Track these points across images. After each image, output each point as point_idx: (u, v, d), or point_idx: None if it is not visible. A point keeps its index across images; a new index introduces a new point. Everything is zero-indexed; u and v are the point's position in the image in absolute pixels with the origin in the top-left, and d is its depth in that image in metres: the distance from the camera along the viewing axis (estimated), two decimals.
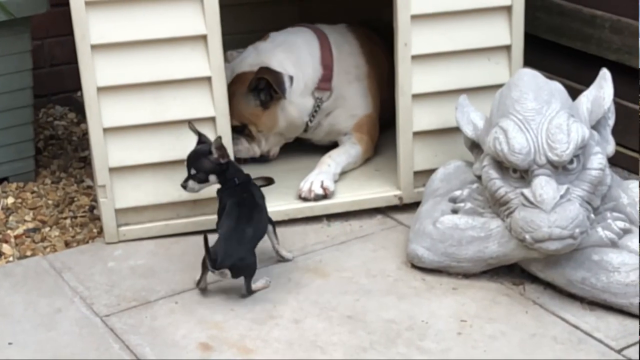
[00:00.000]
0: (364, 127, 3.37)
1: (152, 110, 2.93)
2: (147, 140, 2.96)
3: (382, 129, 3.49)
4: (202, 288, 2.73)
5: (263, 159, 3.36)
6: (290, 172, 3.28)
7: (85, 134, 3.83)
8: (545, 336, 2.54)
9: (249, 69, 3.26)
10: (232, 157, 2.87)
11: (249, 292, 2.70)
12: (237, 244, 2.65)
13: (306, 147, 3.45)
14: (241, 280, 2.69)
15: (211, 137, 2.96)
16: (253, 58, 3.29)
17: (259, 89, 3.21)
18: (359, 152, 3.34)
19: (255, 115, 3.25)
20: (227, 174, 2.79)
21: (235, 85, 3.25)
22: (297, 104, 3.26)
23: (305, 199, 3.10)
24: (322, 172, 3.18)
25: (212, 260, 2.63)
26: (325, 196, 3.10)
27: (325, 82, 3.30)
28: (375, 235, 3.05)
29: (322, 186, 3.11)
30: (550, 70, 3.27)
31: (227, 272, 2.64)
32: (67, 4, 2.82)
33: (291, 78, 3.19)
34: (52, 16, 3.69)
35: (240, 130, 3.28)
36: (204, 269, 2.69)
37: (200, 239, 3.01)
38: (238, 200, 2.74)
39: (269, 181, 2.94)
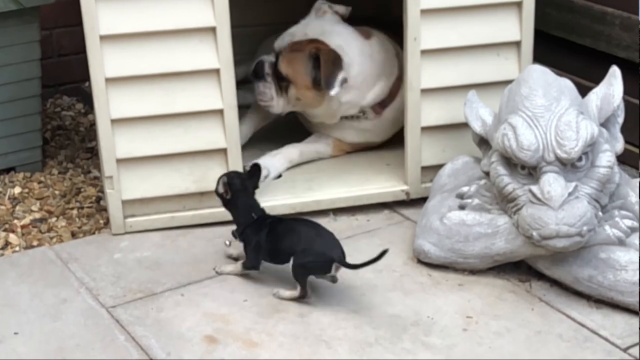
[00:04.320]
0: (358, 145, 3.41)
1: (161, 101, 2.93)
2: (154, 131, 2.95)
3: None
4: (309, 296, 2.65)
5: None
6: (296, 166, 3.29)
7: (92, 125, 3.84)
8: (550, 333, 2.53)
9: (327, 43, 3.17)
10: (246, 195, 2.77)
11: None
12: (329, 239, 2.63)
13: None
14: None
15: (218, 132, 2.96)
16: (343, 41, 3.20)
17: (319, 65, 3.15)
18: (327, 153, 3.38)
19: (305, 84, 3.19)
20: (238, 211, 2.75)
21: (310, 43, 3.18)
22: (344, 105, 3.25)
23: None
24: (281, 159, 3.23)
25: (338, 260, 2.58)
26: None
27: (381, 107, 3.30)
28: (382, 230, 3.04)
29: (266, 176, 3.13)
30: (559, 66, 3.26)
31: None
32: None
33: (344, 80, 3.13)
34: (61, 6, 3.69)
35: (280, 79, 3.21)
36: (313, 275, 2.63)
37: (206, 231, 3.02)
38: (270, 227, 2.69)
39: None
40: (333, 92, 3.10)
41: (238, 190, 2.74)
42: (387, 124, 3.36)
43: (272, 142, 3.37)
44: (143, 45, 2.88)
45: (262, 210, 2.77)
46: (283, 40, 3.25)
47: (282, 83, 3.22)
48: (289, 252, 2.62)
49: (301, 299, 2.63)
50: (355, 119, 3.33)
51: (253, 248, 2.71)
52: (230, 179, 2.76)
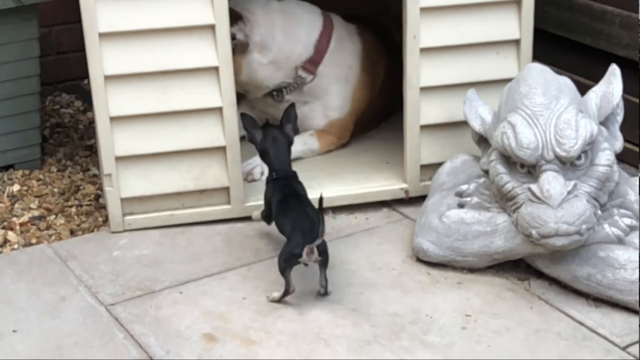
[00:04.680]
0: (332, 128, 3.41)
1: (159, 99, 2.93)
2: (153, 129, 2.95)
3: (389, 122, 3.51)
4: (293, 290, 2.61)
5: None
6: (295, 165, 3.29)
7: (91, 123, 3.83)
8: (549, 332, 2.53)
9: (233, 9, 3.21)
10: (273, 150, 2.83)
11: (327, 282, 2.64)
12: (313, 224, 2.59)
13: None
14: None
15: (217, 129, 2.96)
16: (251, 3, 3.28)
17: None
18: (314, 146, 3.39)
19: None
20: (266, 159, 2.85)
21: None
22: (267, 68, 3.28)
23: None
24: None
25: (312, 237, 2.54)
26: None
27: (312, 64, 3.32)
28: (381, 229, 3.04)
29: (262, 173, 3.18)
30: (559, 65, 3.26)
31: (316, 252, 2.56)
32: None
33: (232, 36, 3.11)
34: (60, 3, 3.69)
35: None
36: (292, 264, 2.59)
37: (205, 229, 3.02)
38: (280, 197, 2.74)
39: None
40: None
41: (268, 144, 2.82)
42: (329, 84, 3.35)
43: None
44: (142, 43, 2.87)
45: (287, 172, 2.81)
46: None
47: None
48: (279, 228, 2.71)
49: (286, 294, 2.60)
50: (298, 90, 3.33)
51: (265, 204, 2.82)
52: (267, 133, 2.84)
